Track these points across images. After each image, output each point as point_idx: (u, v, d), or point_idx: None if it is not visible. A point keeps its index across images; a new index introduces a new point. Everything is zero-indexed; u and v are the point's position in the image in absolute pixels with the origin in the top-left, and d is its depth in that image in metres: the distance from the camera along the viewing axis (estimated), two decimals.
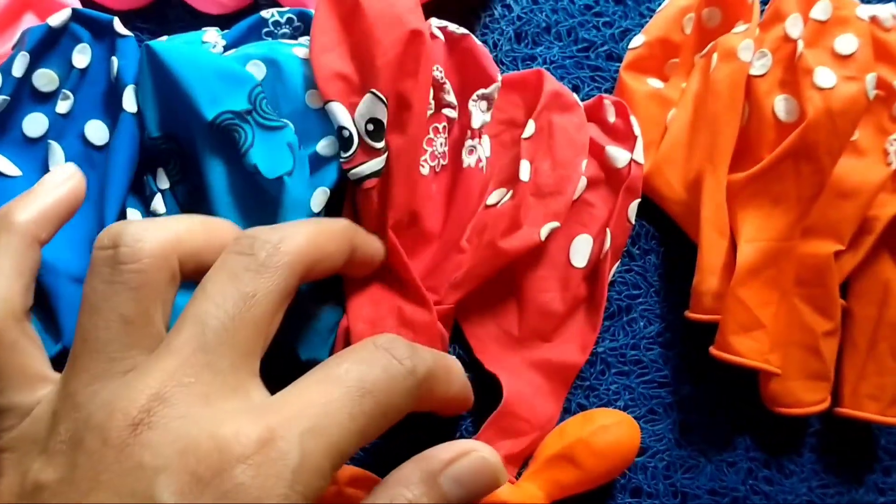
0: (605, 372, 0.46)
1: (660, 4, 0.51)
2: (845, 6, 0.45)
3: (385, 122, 0.41)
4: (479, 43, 0.45)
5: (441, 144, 0.43)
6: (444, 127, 0.44)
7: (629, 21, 0.51)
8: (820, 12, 0.44)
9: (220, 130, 0.38)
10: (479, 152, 0.44)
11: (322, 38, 0.43)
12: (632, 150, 0.46)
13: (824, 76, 0.42)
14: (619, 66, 0.50)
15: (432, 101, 0.43)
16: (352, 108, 0.41)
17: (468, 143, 0.44)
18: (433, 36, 0.44)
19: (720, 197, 0.45)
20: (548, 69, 0.50)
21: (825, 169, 0.43)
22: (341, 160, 0.40)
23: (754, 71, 0.44)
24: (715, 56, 0.47)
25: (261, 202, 0.39)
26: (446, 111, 0.44)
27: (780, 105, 0.44)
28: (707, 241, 0.44)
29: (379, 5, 0.43)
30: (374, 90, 0.41)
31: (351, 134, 0.40)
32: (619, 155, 0.46)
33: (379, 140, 0.41)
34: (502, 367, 0.44)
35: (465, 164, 0.43)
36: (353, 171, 0.40)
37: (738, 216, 0.44)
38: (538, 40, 0.51)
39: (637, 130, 0.47)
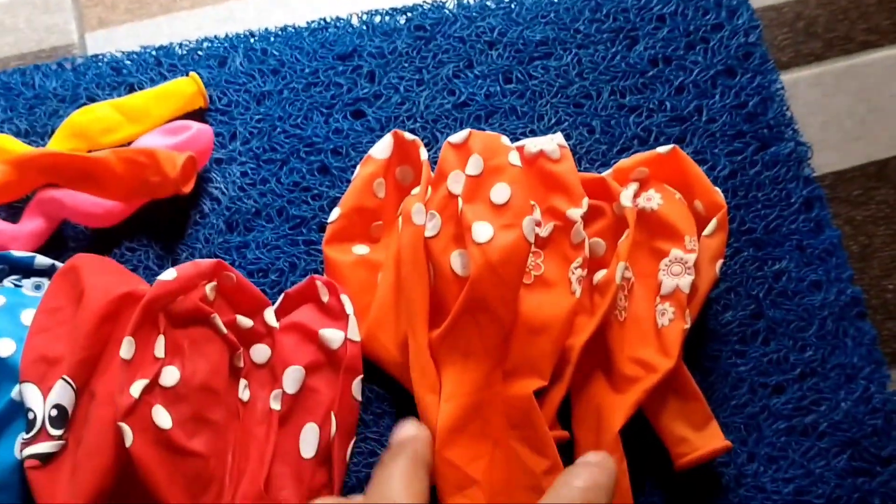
0: None
1: None
2: (497, 154, 0.46)
3: (69, 409, 0.42)
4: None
5: None
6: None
7: (336, 190, 0.53)
8: (472, 168, 0.46)
9: None
10: None
11: (43, 318, 0.45)
12: (345, 328, 0.47)
13: (481, 230, 0.44)
14: None
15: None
16: (48, 390, 0.42)
17: None
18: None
19: (424, 357, 0.45)
20: (261, 252, 0.51)
21: (502, 318, 0.44)
22: (21, 440, 0.42)
23: (428, 233, 0.46)
24: (400, 219, 0.48)
25: None
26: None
27: (456, 261, 0.45)
28: (422, 403, 0.45)
29: (92, 279, 0.45)
30: (65, 376, 0.42)
31: (35, 417, 0.42)
32: (333, 336, 0.47)
33: (58, 427, 0.42)
34: None
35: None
36: (24, 450, 0.41)
37: (440, 373, 0.45)
38: (250, 226, 0.52)
39: (349, 309, 0.48)
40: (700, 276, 0.47)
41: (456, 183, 0.46)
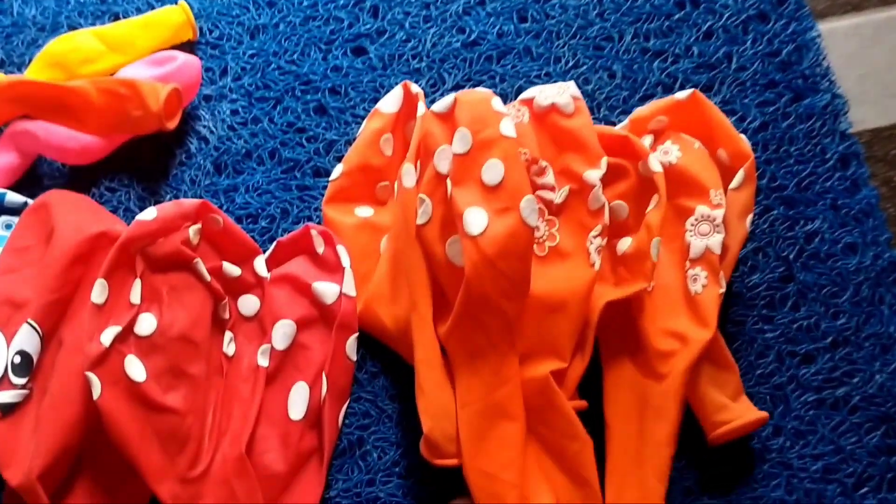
0: None
1: (363, 110, 0.49)
2: (487, 125, 0.40)
3: (35, 357, 0.39)
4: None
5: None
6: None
7: (333, 132, 0.49)
8: (459, 144, 0.40)
9: None
10: None
11: (9, 258, 0.41)
12: (341, 282, 0.44)
13: (473, 219, 0.38)
14: (328, 182, 0.47)
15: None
16: (12, 336, 0.39)
17: None
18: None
19: (428, 336, 0.41)
20: (251, 196, 0.47)
21: (506, 311, 0.39)
22: None
23: (419, 220, 0.41)
24: (396, 184, 0.44)
25: None
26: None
27: (451, 249, 0.40)
28: (427, 382, 0.40)
29: (63, 217, 0.41)
30: (31, 320, 0.39)
31: None
32: (327, 290, 0.43)
33: (22, 375, 0.38)
34: None
35: None
36: None
37: (452, 373, 0.41)
38: (239, 168, 0.48)
39: (345, 261, 0.44)
40: (730, 234, 0.43)
41: (444, 160, 0.40)
